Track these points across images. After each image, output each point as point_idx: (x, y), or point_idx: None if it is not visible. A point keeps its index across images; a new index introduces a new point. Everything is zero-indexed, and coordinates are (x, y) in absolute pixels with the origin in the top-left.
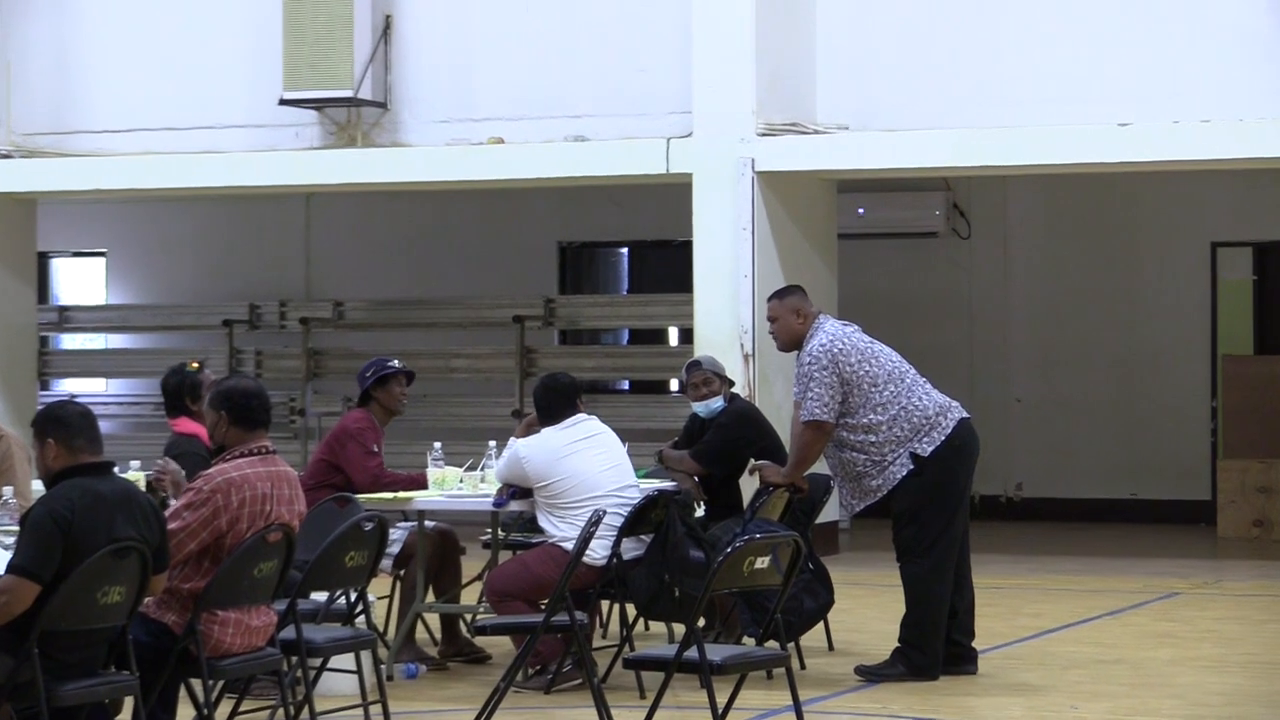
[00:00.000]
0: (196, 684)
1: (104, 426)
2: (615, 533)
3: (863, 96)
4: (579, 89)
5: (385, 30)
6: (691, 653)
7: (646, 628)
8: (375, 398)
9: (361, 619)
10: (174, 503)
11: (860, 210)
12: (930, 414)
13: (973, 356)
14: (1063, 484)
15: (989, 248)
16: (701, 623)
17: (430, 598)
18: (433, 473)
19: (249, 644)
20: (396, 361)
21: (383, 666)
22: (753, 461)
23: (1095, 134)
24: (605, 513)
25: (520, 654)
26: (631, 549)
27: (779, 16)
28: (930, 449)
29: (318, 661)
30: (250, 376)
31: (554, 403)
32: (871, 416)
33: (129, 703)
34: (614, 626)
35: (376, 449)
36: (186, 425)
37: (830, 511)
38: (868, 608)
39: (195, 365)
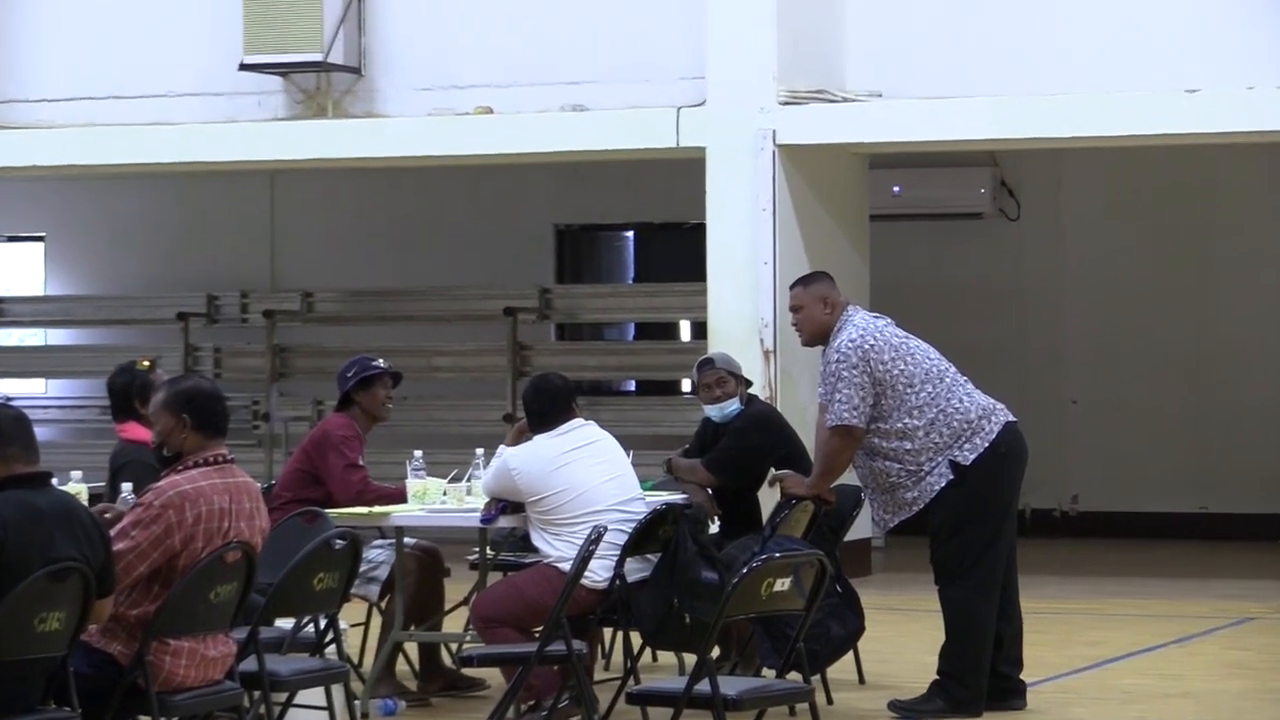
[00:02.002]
0: None
1: (42, 433)
2: (618, 551)
3: (898, 60)
4: (578, 52)
5: None
6: (703, 686)
7: (654, 658)
8: (357, 401)
9: (332, 649)
10: (123, 519)
11: (895, 188)
12: (972, 418)
13: (1023, 353)
14: (1124, 496)
15: (1041, 230)
16: (715, 652)
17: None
18: (413, 484)
19: (205, 677)
20: (381, 361)
21: (357, 702)
22: (773, 471)
23: (1160, 101)
24: (606, 529)
25: (511, 688)
26: (636, 570)
27: None
28: (972, 457)
29: (283, 697)
30: (205, 376)
31: (547, 406)
32: (907, 421)
33: None
34: (617, 657)
35: (361, 461)
36: (135, 431)
37: (861, 527)
38: (903, 635)
39: (146, 364)
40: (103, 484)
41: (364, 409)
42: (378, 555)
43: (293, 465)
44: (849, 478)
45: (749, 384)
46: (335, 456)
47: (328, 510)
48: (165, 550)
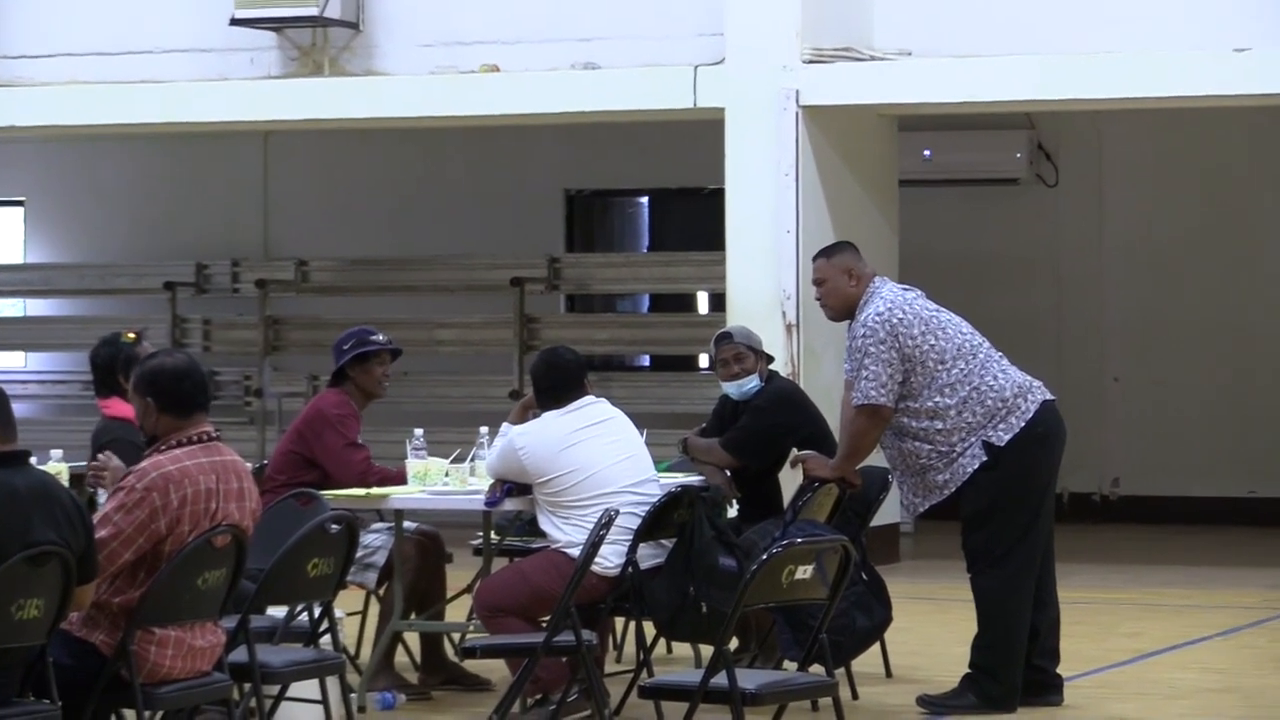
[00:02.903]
0: (130, 715)
1: (20, 409)
2: (630, 536)
3: (929, 16)
4: (589, 7)
5: None
6: (721, 679)
7: (668, 650)
8: (352, 377)
9: (327, 639)
10: (104, 504)
11: (926, 152)
12: (1007, 396)
13: (1060, 327)
14: (1167, 479)
15: (1080, 197)
16: (734, 644)
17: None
18: (413, 465)
19: (192, 668)
20: (381, 335)
21: (353, 696)
22: (795, 452)
23: (1207, 61)
24: (618, 513)
25: (516, 681)
26: (650, 556)
27: None
28: (1007, 437)
29: (275, 689)
30: (179, 351)
31: (557, 382)
32: (937, 399)
33: None
34: (629, 648)
35: (360, 440)
36: (118, 408)
37: (888, 512)
38: (933, 626)
39: (131, 336)
40: (84, 464)
41: (359, 386)
42: (374, 540)
43: (285, 447)
44: (876, 459)
45: (770, 359)
46: (333, 436)
47: (323, 492)
48: (150, 535)
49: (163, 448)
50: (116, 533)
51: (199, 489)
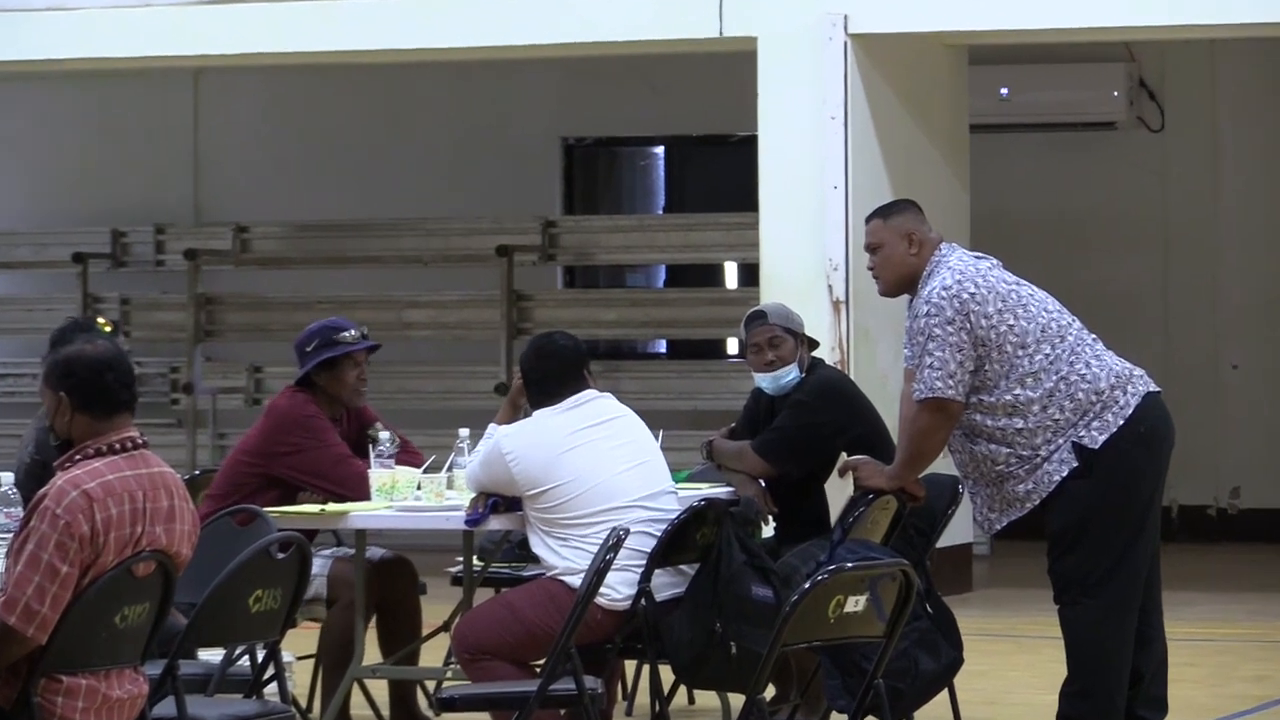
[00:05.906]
0: None
1: None
2: (643, 561)
3: None
4: None
5: None
6: None
7: (690, 699)
8: (320, 385)
9: (273, 688)
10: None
11: (1003, 91)
12: (1102, 388)
13: (1168, 304)
14: None
15: (1191, 144)
16: (770, 692)
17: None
18: (378, 475)
19: None
20: (353, 329)
21: None
22: (844, 457)
23: None
24: (628, 532)
25: None
26: (667, 585)
27: None
28: (1102, 438)
29: None
30: (101, 339)
31: (551, 374)
32: (1018, 392)
33: None
34: (642, 697)
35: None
36: None
37: (958, 530)
38: (1013, 668)
39: (108, 326)
40: None
41: (329, 394)
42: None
43: (240, 461)
44: (943, 466)
45: (813, 345)
46: (319, 452)
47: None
48: (83, 566)
49: (78, 457)
50: (53, 574)
51: (124, 510)
